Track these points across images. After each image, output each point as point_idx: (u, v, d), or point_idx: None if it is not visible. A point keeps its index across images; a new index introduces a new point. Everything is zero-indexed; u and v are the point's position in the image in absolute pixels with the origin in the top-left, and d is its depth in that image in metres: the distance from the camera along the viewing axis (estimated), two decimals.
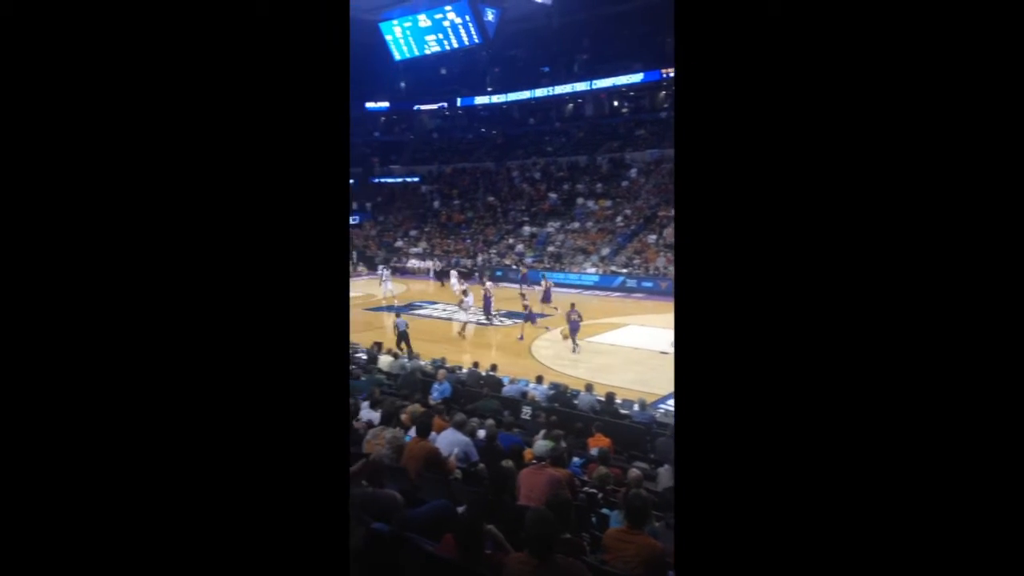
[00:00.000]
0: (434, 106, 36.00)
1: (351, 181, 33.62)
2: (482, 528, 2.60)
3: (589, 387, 8.81)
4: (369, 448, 4.58)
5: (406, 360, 10.23)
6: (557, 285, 21.13)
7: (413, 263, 26.96)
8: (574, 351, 13.19)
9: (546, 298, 16.76)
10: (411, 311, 18.29)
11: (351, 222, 31.55)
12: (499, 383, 9.29)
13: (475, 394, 8.71)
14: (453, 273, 21.40)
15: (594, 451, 6.15)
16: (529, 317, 15.26)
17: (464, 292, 16.52)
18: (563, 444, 5.85)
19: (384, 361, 10.22)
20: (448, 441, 5.03)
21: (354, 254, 28.65)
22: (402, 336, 13.00)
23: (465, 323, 15.60)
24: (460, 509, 3.45)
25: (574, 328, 13.25)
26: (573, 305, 13.96)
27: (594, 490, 4.81)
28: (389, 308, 18.38)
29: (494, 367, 9.96)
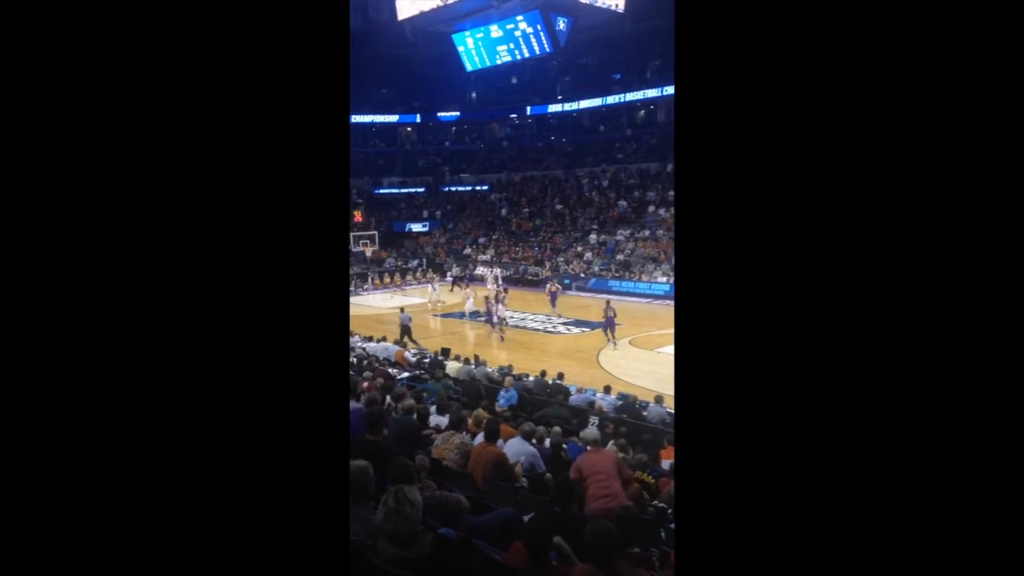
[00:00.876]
0: (504, 115, 36.33)
1: (421, 190, 34.35)
2: (551, 539, 2.55)
3: (659, 399, 8.60)
4: (438, 452, 4.61)
5: (473, 367, 10.29)
6: (628, 294, 20.95)
7: (481, 270, 27.19)
8: (610, 345, 14.33)
9: (553, 302, 17.85)
10: (478, 318, 18.42)
11: (422, 229, 32.19)
12: (566, 392, 9.19)
13: (541, 402, 8.65)
14: (489, 275, 21.76)
15: (666, 464, 5.98)
16: (488, 319, 16.35)
17: (503, 292, 17.92)
18: (631, 455, 5.71)
19: (452, 367, 10.32)
20: (515, 450, 4.99)
21: (424, 261, 29.18)
22: (404, 330, 14.47)
23: (499, 323, 16.30)
24: (526, 518, 3.41)
25: (609, 324, 14.49)
26: (608, 302, 15.39)
27: (664, 504, 4.67)
28: (461, 315, 18.63)
29: (561, 376, 9.87)
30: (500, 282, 20.67)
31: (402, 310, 15.67)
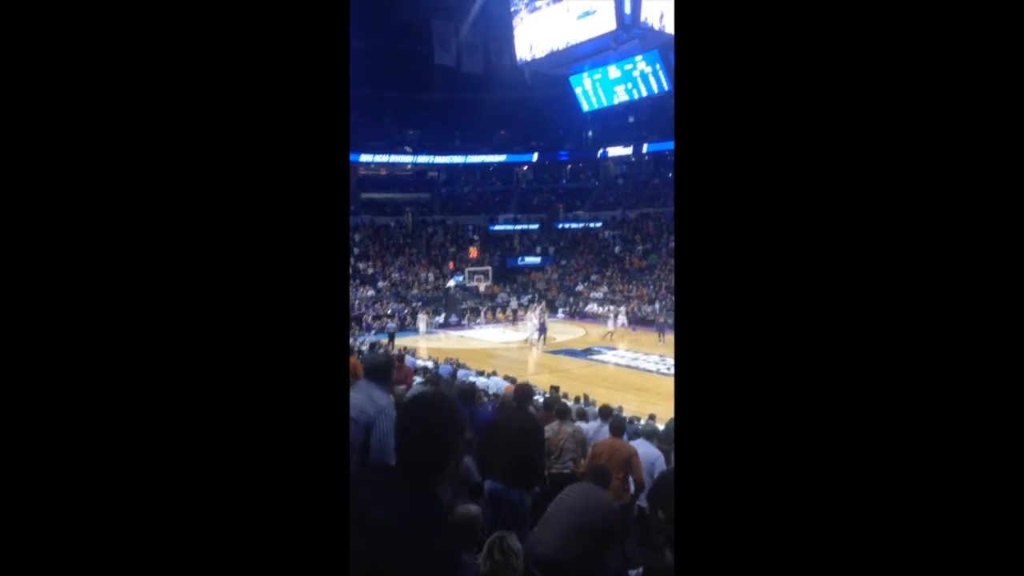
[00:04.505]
0: (620, 152, 36.30)
1: (535, 226, 34.84)
2: None
3: None
4: (553, 444, 4.61)
5: (582, 405, 10.14)
6: None
7: (592, 307, 27.03)
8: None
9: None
10: (588, 356, 18.24)
11: (534, 261, 32.53)
12: None
13: None
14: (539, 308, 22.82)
15: None
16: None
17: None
18: None
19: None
20: (642, 451, 4.83)
21: (536, 296, 29.43)
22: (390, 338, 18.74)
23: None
24: (632, 573, 3.28)
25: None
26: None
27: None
28: (571, 352, 18.50)
29: None
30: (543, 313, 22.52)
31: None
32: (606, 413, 5.20)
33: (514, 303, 28.00)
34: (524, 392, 4.77)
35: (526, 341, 20.33)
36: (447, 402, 1.50)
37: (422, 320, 23.43)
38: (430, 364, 13.91)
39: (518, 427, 4.21)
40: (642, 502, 4.79)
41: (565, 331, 22.90)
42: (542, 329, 20.29)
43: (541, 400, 10.88)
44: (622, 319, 22.32)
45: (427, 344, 20.61)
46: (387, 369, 3.21)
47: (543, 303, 25.74)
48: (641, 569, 3.29)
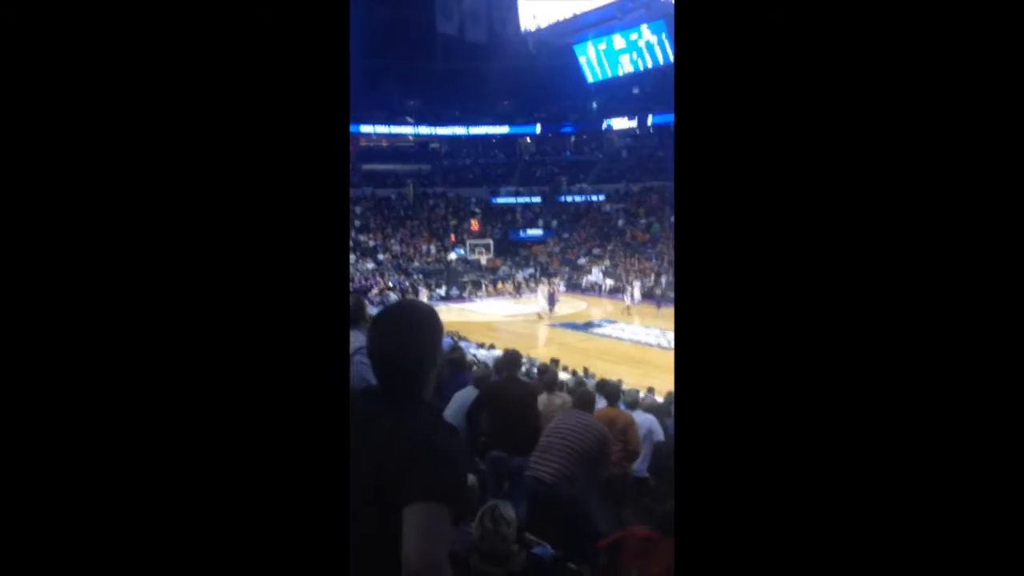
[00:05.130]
0: (624, 125, 35.95)
1: (538, 199, 34.66)
2: None
3: None
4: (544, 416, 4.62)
5: (583, 376, 10.20)
6: None
7: (591, 278, 27.06)
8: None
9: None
10: (588, 329, 18.28)
11: (537, 233, 32.44)
12: None
13: None
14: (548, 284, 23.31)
15: None
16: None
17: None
18: None
19: (562, 378, 10.28)
20: (637, 419, 4.89)
21: (538, 269, 29.43)
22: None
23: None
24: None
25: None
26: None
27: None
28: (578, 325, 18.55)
29: None
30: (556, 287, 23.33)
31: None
32: (603, 386, 5.23)
33: (518, 276, 28.05)
34: (511, 359, 4.77)
35: (539, 315, 20.48)
36: (417, 306, 1.46)
37: (423, 294, 23.47)
38: None
39: (510, 395, 4.24)
40: (641, 472, 4.83)
41: (566, 304, 22.93)
42: (551, 300, 20.61)
43: (536, 370, 10.98)
44: (637, 294, 22.34)
45: None
46: (358, 311, 3.14)
47: (555, 277, 25.91)
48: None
